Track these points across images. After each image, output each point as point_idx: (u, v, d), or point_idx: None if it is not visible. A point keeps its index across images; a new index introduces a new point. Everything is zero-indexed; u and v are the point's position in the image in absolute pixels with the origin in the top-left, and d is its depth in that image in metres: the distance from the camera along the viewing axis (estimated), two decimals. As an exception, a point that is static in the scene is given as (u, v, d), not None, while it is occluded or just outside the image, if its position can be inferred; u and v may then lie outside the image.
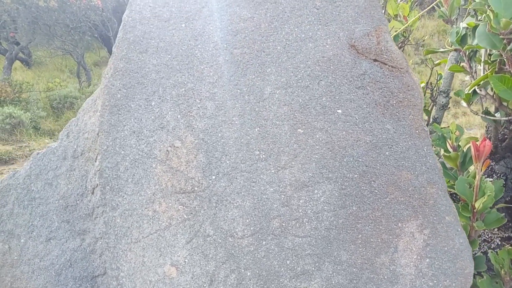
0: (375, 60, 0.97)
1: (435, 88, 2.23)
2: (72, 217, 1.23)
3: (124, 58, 1.02)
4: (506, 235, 1.73)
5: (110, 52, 13.46)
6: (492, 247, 1.71)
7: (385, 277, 1.01)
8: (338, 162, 0.97)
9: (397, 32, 2.37)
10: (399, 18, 2.42)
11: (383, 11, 2.56)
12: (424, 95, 2.33)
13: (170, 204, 1.02)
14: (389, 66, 0.98)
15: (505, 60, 1.28)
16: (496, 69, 1.41)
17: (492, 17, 1.15)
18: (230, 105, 0.97)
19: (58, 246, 1.24)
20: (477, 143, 1.27)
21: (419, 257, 1.03)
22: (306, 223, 0.97)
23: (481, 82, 1.48)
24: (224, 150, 0.98)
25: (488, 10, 1.20)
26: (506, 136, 1.75)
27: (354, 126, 0.96)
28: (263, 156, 0.97)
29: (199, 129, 0.99)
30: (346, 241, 0.99)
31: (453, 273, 1.04)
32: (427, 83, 2.31)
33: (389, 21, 2.53)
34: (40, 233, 1.27)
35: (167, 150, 1.01)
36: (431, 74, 2.32)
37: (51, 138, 8.62)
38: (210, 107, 0.98)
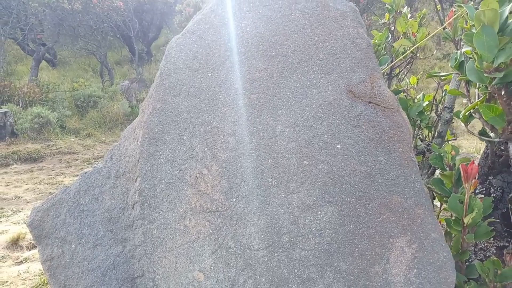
0: (369, 102, 1.16)
1: (440, 104, 2.37)
2: (115, 227, 1.46)
3: (161, 100, 1.24)
4: (501, 244, 1.88)
5: (131, 51, 13.85)
6: (487, 255, 1.86)
7: (378, 284, 1.20)
8: (337, 188, 1.16)
9: (406, 51, 2.51)
10: (408, 35, 2.56)
11: (393, 28, 2.70)
12: (431, 111, 2.47)
13: (198, 221, 1.23)
14: (382, 107, 1.16)
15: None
16: (487, 97, 1.56)
17: (476, 58, 1.31)
18: (248, 140, 1.18)
19: (103, 251, 1.47)
20: (466, 165, 1.44)
21: (408, 268, 1.21)
22: (311, 238, 1.17)
23: (475, 107, 1.64)
24: (243, 177, 1.19)
25: (473, 52, 1.36)
26: (503, 153, 1.90)
27: (351, 159, 1.15)
28: (275, 183, 1.17)
29: (222, 160, 1.20)
30: (345, 253, 1.18)
31: (437, 282, 1.21)
32: (434, 98, 2.45)
33: (398, 38, 2.67)
34: (88, 240, 1.50)
35: (196, 176, 1.22)
36: (437, 89, 2.46)
37: (76, 137, 9.01)
38: (232, 142, 1.19)
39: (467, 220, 1.42)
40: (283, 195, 1.17)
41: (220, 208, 1.21)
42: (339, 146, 1.14)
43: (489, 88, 1.41)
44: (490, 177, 1.96)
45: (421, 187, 1.20)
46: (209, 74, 1.20)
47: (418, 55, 2.66)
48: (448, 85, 2.48)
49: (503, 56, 1.27)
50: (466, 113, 1.70)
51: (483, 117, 1.50)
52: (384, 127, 1.16)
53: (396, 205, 1.18)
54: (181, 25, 11.65)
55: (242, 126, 1.18)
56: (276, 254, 1.18)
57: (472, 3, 1.70)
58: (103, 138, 9.21)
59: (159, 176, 1.28)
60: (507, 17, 1.29)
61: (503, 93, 1.49)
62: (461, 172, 1.43)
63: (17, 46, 12.68)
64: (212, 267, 1.22)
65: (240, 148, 1.19)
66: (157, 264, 1.33)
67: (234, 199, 1.19)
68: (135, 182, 1.37)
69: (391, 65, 2.53)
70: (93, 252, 1.49)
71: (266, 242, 1.18)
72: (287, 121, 1.16)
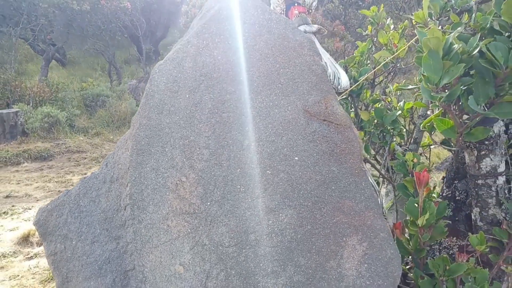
0: (324, 120, 1.34)
1: (415, 112, 2.54)
2: (110, 226, 1.67)
3: (146, 117, 1.44)
4: (464, 243, 2.05)
5: (139, 50, 14.12)
6: (450, 253, 2.03)
7: (334, 277, 1.39)
8: (296, 194, 1.35)
9: (385, 60, 2.67)
10: (389, 47, 2.71)
11: (375, 39, 2.86)
12: (410, 118, 2.64)
13: (178, 221, 1.43)
14: (335, 124, 1.34)
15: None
16: (443, 110, 1.73)
17: (424, 79, 1.48)
18: (220, 152, 1.37)
19: (100, 247, 1.68)
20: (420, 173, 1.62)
21: (359, 263, 1.39)
22: (274, 237, 1.36)
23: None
24: (216, 184, 1.38)
25: (421, 73, 1.53)
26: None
27: (307, 169, 1.34)
28: (243, 189, 1.36)
29: (198, 169, 1.39)
30: (303, 250, 1.37)
31: (385, 275, 1.40)
32: (411, 107, 2.61)
33: (380, 49, 2.83)
34: (86, 237, 1.71)
35: (177, 183, 1.42)
36: (415, 99, 2.62)
37: (84, 135, 9.25)
38: (206, 154, 1.39)
39: (420, 221, 1.59)
40: (249, 200, 1.36)
41: (196, 211, 1.40)
42: (296, 158, 1.33)
43: (438, 104, 1.58)
44: (455, 182, 2.12)
45: (370, 193, 1.38)
46: (187, 96, 1.40)
47: (399, 65, 2.82)
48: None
49: (447, 78, 1.43)
50: (427, 124, 1.87)
51: (437, 129, 1.67)
52: (336, 142, 1.34)
53: (348, 209, 1.37)
54: (186, 26, 11.87)
55: (215, 140, 1.38)
56: (244, 251, 1.37)
57: (434, 25, 1.86)
58: (111, 137, 9.44)
59: (146, 182, 1.48)
60: (451, 43, 1.45)
61: (456, 107, 1.66)
62: (415, 179, 1.61)
63: (28, 46, 12.99)
64: (190, 261, 1.42)
65: (213, 159, 1.38)
66: (145, 259, 1.53)
67: (209, 203, 1.39)
68: (127, 187, 1.57)
69: (371, 72, 2.69)
70: (91, 248, 1.70)
71: (235, 240, 1.37)
72: (253, 136, 1.35)
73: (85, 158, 7.77)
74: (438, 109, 1.84)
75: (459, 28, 1.52)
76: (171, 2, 15.76)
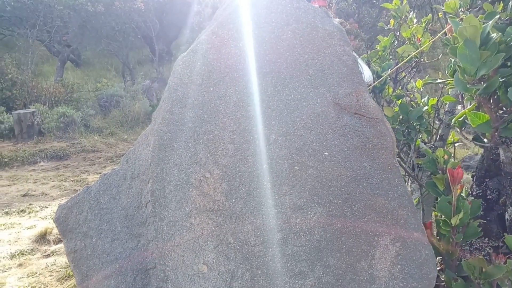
0: (355, 114, 1.27)
1: (441, 108, 2.45)
2: (131, 224, 1.63)
3: (169, 111, 1.40)
4: (497, 244, 1.96)
5: (152, 51, 14.17)
6: (482, 254, 1.94)
7: (365, 278, 1.32)
8: (325, 191, 1.28)
9: (409, 55, 2.59)
10: (412, 41, 2.63)
11: (398, 33, 2.78)
12: (436, 115, 2.55)
13: (202, 219, 1.38)
14: (366, 117, 1.28)
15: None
16: (476, 104, 1.65)
17: (459, 70, 1.40)
18: (245, 147, 1.32)
19: (120, 245, 1.64)
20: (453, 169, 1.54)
21: (392, 264, 1.32)
22: (302, 236, 1.30)
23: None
24: (241, 180, 1.33)
25: (457, 64, 1.45)
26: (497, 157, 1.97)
27: (337, 164, 1.27)
28: (269, 185, 1.30)
29: (223, 165, 1.34)
30: (333, 250, 1.31)
31: (419, 277, 1.32)
32: (437, 102, 2.52)
33: (403, 43, 2.75)
34: (107, 235, 1.68)
35: (200, 179, 1.37)
36: (441, 94, 2.53)
37: (99, 135, 9.31)
38: (231, 149, 1.33)
39: (454, 221, 1.51)
40: (276, 197, 1.30)
41: (221, 208, 1.35)
42: (326, 153, 1.27)
43: (474, 98, 1.50)
44: (486, 180, 2.03)
45: (404, 190, 1.31)
46: (211, 89, 1.35)
47: (422, 59, 2.73)
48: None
49: (484, 69, 1.36)
50: (459, 119, 1.79)
51: (471, 124, 1.59)
52: (368, 136, 1.27)
53: (380, 207, 1.30)
54: (199, 25, 11.89)
55: (240, 135, 1.32)
56: (270, 250, 1.31)
57: (464, 15, 1.78)
58: (125, 137, 9.50)
59: (168, 179, 1.44)
60: (488, 32, 1.37)
61: (491, 101, 1.58)
62: (449, 176, 1.53)
63: (44, 47, 13.15)
64: (214, 260, 1.37)
65: (238, 155, 1.33)
66: (167, 257, 1.48)
67: (234, 200, 1.34)
68: (148, 183, 1.53)
69: (395, 68, 2.61)
70: (111, 246, 1.66)
71: (261, 239, 1.32)
72: (280, 130, 1.30)
73: (100, 158, 7.82)
74: (471, 103, 1.76)
75: (496, 17, 1.44)
76: (183, 3, 15.78)
